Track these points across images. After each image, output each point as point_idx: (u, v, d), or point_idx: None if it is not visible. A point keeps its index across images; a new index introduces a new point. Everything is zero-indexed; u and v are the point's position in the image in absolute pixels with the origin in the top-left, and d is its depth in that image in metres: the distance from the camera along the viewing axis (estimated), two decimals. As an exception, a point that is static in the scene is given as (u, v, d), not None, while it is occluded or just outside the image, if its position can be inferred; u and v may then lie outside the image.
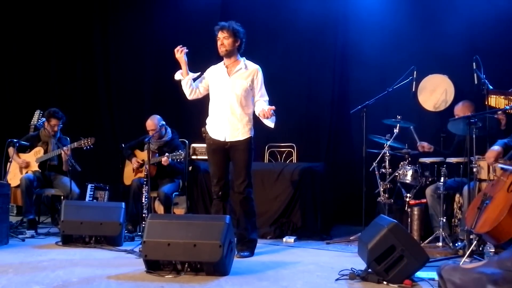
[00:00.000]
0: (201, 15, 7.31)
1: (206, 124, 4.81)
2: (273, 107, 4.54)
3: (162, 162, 5.81)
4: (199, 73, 4.80)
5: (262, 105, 4.66)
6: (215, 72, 4.74)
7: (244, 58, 4.76)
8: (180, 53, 4.66)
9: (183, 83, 4.73)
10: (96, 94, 7.97)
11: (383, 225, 3.64)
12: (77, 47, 7.96)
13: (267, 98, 4.74)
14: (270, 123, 4.61)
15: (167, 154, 5.79)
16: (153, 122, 6.06)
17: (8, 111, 7.70)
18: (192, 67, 4.80)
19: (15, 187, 5.87)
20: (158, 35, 7.78)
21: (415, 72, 5.71)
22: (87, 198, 6.72)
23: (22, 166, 6.02)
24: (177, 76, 4.74)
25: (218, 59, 4.86)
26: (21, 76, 7.91)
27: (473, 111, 5.27)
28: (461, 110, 5.47)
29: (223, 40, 4.63)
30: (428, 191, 5.35)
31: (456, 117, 5.37)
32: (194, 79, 4.77)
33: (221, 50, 4.66)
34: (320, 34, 7.27)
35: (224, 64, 4.73)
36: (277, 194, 5.93)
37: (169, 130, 6.19)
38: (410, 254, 3.48)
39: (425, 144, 5.62)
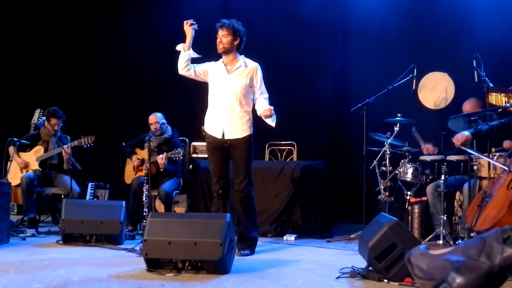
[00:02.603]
0: (201, 14, 7.27)
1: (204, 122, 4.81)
2: (271, 107, 4.56)
3: (159, 164, 5.81)
4: (200, 56, 4.78)
5: (262, 104, 4.66)
6: (215, 69, 4.74)
7: (243, 56, 4.76)
8: (189, 26, 4.64)
9: (181, 56, 4.69)
10: (97, 92, 7.97)
11: (384, 223, 3.64)
12: (77, 46, 7.95)
13: (267, 95, 4.75)
14: (271, 122, 4.62)
15: (164, 153, 5.79)
16: (155, 117, 6.12)
17: (8, 110, 7.69)
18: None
19: (15, 186, 5.87)
20: (158, 34, 7.77)
21: (415, 70, 5.70)
22: (88, 197, 6.72)
23: (21, 166, 6.02)
24: (179, 47, 4.70)
25: (218, 58, 4.86)
26: (21, 75, 7.90)
27: (480, 108, 5.27)
28: (472, 107, 5.44)
29: (222, 38, 4.62)
30: (429, 189, 5.35)
31: (464, 113, 5.38)
32: (194, 60, 4.75)
33: (219, 47, 4.66)
34: (320, 32, 7.28)
35: (223, 62, 4.73)
36: (277, 192, 5.94)
37: (169, 128, 6.20)
38: (411, 252, 3.48)
39: (430, 146, 5.61)
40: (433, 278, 2.57)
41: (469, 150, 4.41)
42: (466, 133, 4.34)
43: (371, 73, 6.89)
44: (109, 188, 6.92)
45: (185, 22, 4.67)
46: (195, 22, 4.67)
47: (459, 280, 2.48)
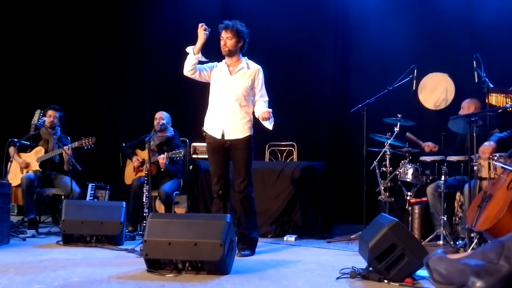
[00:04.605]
0: (201, 14, 7.30)
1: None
2: (270, 110, 4.56)
3: (160, 163, 5.81)
4: (208, 60, 4.76)
5: (261, 107, 4.67)
6: (218, 70, 4.74)
7: (246, 57, 4.76)
8: (203, 30, 4.59)
9: (189, 58, 4.65)
10: (97, 93, 7.98)
11: (384, 223, 3.64)
12: (77, 47, 7.95)
13: (266, 98, 4.75)
14: (268, 125, 4.62)
15: (164, 153, 5.79)
16: (161, 113, 6.19)
17: (8, 111, 7.70)
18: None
19: (16, 187, 5.87)
20: (158, 35, 7.79)
21: (415, 70, 5.71)
22: (88, 198, 6.72)
23: (22, 167, 6.02)
24: (189, 49, 4.66)
25: (218, 58, 4.86)
26: (21, 76, 7.91)
27: (478, 109, 5.28)
28: (466, 105, 5.48)
29: (226, 40, 4.62)
30: (429, 189, 5.35)
31: (461, 111, 5.39)
32: (200, 62, 4.75)
33: (224, 50, 4.65)
34: (320, 33, 7.29)
35: (226, 63, 4.73)
36: (277, 193, 5.94)
37: (171, 128, 6.22)
38: (411, 253, 3.48)
39: (430, 144, 5.63)
40: (452, 282, 2.58)
41: (498, 164, 4.29)
42: (490, 142, 4.21)
43: (371, 74, 6.90)
44: (109, 189, 6.92)
45: (200, 25, 4.62)
46: (208, 30, 4.62)
47: (479, 284, 2.48)
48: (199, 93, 5.63)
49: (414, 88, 5.85)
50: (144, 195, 5.43)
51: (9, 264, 4.01)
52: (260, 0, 7.37)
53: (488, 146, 4.24)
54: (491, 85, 4.91)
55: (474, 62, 4.99)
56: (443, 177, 5.11)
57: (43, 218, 6.43)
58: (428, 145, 5.63)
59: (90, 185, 6.83)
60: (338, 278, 3.65)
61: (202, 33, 4.61)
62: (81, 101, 7.95)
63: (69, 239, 4.96)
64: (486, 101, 4.90)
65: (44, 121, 6.22)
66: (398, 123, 5.55)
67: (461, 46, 6.33)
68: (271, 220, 5.85)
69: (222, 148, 4.67)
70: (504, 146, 4.43)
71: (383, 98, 5.77)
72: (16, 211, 6.78)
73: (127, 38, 7.98)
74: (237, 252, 4.24)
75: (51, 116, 6.13)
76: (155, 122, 6.11)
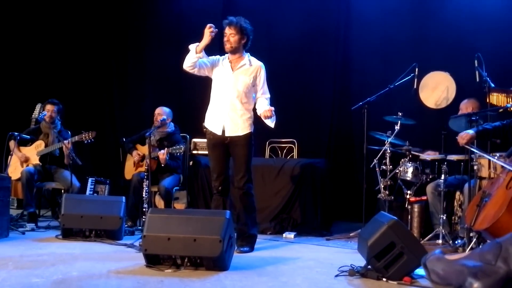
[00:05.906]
0: (203, 12, 7.30)
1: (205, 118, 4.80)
2: (272, 108, 4.56)
3: (160, 159, 5.81)
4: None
5: (263, 104, 4.66)
6: (220, 66, 4.72)
7: (248, 54, 4.74)
8: (210, 31, 4.52)
9: (191, 55, 4.61)
10: (98, 87, 7.98)
11: (383, 222, 3.64)
12: (78, 42, 7.94)
13: (268, 95, 4.74)
14: (270, 123, 4.62)
15: (164, 149, 5.79)
16: (162, 109, 6.19)
17: (9, 104, 7.70)
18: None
19: (15, 180, 5.87)
20: (160, 30, 7.78)
21: (416, 69, 5.71)
22: (88, 192, 6.72)
23: (22, 160, 6.02)
24: (191, 46, 4.62)
25: (220, 52, 4.84)
26: (22, 70, 7.90)
27: (476, 109, 5.28)
28: (464, 106, 5.48)
29: (230, 37, 4.60)
30: (429, 188, 5.35)
31: (460, 112, 5.39)
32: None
33: (226, 46, 4.63)
34: (322, 31, 7.28)
35: (229, 59, 4.72)
36: (277, 190, 5.94)
37: (171, 124, 6.22)
38: (410, 251, 3.48)
39: (431, 152, 5.63)
40: (450, 283, 2.59)
41: (473, 149, 4.41)
42: (471, 131, 4.33)
43: (372, 72, 6.89)
44: (109, 184, 6.92)
45: (208, 25, 4.54)
46: (215, 31, 4.56)
47: (476, 285, 2.49)
48: (200, 88, 5.63)
49: (415, 86, 5.84)
50: (144, 190, 5.43)
51: (8, 258, 4.02)
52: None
53: (467, 133, 4.34)
54: (492, 85, 4.91)
55: (476, 61, 4.98)
56: (443, 176, 5.11)
57: (43, 212, 6.44)
58: (428, 153, 5.62)
59: (90, 180, 6.83)
60: (336, 275, 3.65)
61: (208, 34, 4.54)
62: (82, 95, 7.93)
63: (69, 233, 4.96)
64: (487, 100, 4.90)
65: (44, 115, 6.23)
66: (399, 122, 5.55)
67: (463, 45, 6.32)
68: (270, 217, 5.86)
69: (222, 144, 4.67)
70: (488, 137, 4.51)
71: (384, 96, 5.76)
72: (15, 205, 6.79)
73: (128, 33, 7.98)
74: (236, 248, 4.25)
75: (49, 110, 6.14)
76: (155, 118, 6.11)
